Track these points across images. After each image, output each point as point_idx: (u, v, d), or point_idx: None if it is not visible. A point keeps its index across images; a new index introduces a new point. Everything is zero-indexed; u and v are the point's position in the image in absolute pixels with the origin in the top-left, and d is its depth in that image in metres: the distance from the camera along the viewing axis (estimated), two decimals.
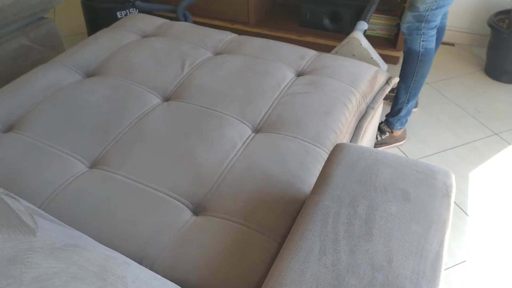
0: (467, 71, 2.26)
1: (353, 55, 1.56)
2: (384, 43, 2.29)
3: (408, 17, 1.53)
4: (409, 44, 1.60)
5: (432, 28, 1.55)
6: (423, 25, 1.52)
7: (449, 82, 2.16)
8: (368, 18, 1.62)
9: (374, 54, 1.52)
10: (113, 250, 0.61)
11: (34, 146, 1.04)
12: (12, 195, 0.67)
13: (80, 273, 0.48)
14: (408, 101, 1.69)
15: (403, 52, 1.65)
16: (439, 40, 1.82)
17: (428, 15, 1.49)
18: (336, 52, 1.57)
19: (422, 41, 1.57)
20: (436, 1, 1.45)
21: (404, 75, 1.66)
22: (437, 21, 1.54)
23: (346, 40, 1.57)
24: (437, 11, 1.48)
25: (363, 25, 1.59)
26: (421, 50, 1.58)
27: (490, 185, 1.62)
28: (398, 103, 1.72)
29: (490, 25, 2.11)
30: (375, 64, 1.49)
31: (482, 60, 2.31)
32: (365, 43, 1.51)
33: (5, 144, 1.04)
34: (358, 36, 1.56)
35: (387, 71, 1.44)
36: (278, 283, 0.63)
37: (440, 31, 1.76)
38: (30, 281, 0.43)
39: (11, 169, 0.98)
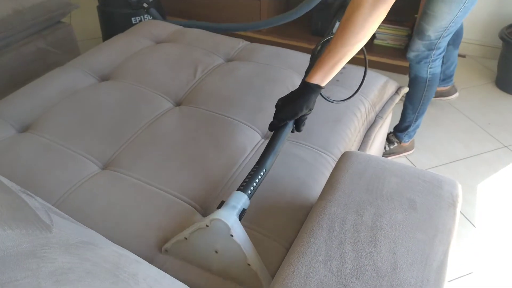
0: (478, 83, 2.26)
1: (216, 252, 0.77)
2: (395, 53, 2.30)
3: (418, 45, 1.48)
4: (415, 71, 1.56)
5: (440, 53, 1.50)
6: (433, 52, 1.47)
7: (459, 93, 2.16)
8: (251, 193, 0.83)
9: (251, 255, 0.76)
10: (124, 249, 0.63)
11: (49, 147, 1.07)
12: (29, 192, 0.69)
13: (94, 269, 0.50)
14: (416, 119, 1.69)
15: (409, 77, 1.61)
16: (458, 41, 1.81)
17: (439, 42, 1.44)
18: (185, 238, 0.78)
19: (430, 68, 1.52)
20: (448, 28, 1.40)
21: (411, 99, 1.63)
22: (445, 45, 1.50)
23: (204, 221, 0.76)
24: (448, 37, 1.45)
25: (240, 199, 0.80)
26: (428, 76, 1.54)
27: (498, 197, 1.61)
28: (406, 121, 1.70)
29: (501, 38, 2.11)
30: (254, 274, 0.76)
31: (493, 72, 2.30)
32: (239, 234, 0.75)
33: (21, 144, 1.08)
34: (227, 219, 0.74)
35: (396, 80, 1.40)
36: (284, 286, 0.64)
37: (458, 33, 1.74)
38: (47, 274, 0.45)
39: (26, 168, 1.01)
